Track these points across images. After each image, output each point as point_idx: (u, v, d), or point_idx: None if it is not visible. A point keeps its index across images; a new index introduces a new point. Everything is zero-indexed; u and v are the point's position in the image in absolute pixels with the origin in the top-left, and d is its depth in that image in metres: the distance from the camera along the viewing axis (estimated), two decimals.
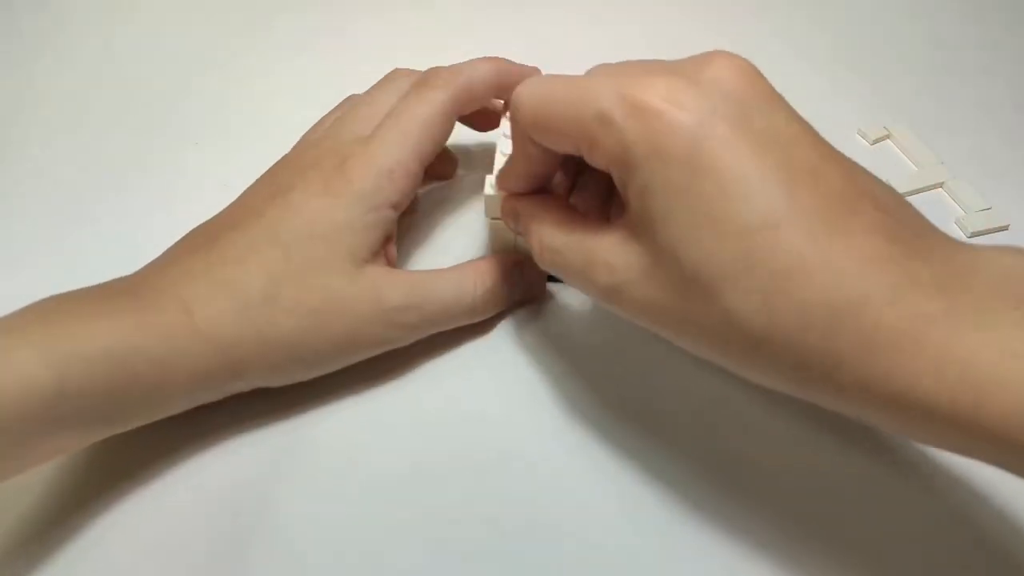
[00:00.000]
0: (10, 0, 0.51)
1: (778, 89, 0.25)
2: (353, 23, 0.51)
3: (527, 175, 0.31)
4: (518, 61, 0.36)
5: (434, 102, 0.33)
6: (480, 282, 0.34)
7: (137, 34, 0.50)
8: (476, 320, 0.34)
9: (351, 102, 0.37)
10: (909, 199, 0.40)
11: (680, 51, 0.27)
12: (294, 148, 0.36)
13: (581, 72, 0.37)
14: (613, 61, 0.28)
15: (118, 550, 0.29)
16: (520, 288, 0.35)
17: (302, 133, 0.37)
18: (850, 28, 0.51)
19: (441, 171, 0.41)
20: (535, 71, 0.36)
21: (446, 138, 0.34)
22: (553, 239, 0.29)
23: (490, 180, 0.33)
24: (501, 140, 0.36)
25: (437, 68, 0.35)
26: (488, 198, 0.33)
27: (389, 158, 0.32)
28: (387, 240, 0.33)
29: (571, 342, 0.35)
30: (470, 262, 0.35)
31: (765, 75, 0.25)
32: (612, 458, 0.31)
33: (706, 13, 0.52)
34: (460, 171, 0.41)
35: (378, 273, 0.31)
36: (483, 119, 0.38)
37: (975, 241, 0.39)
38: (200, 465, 0.31)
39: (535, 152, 0.29)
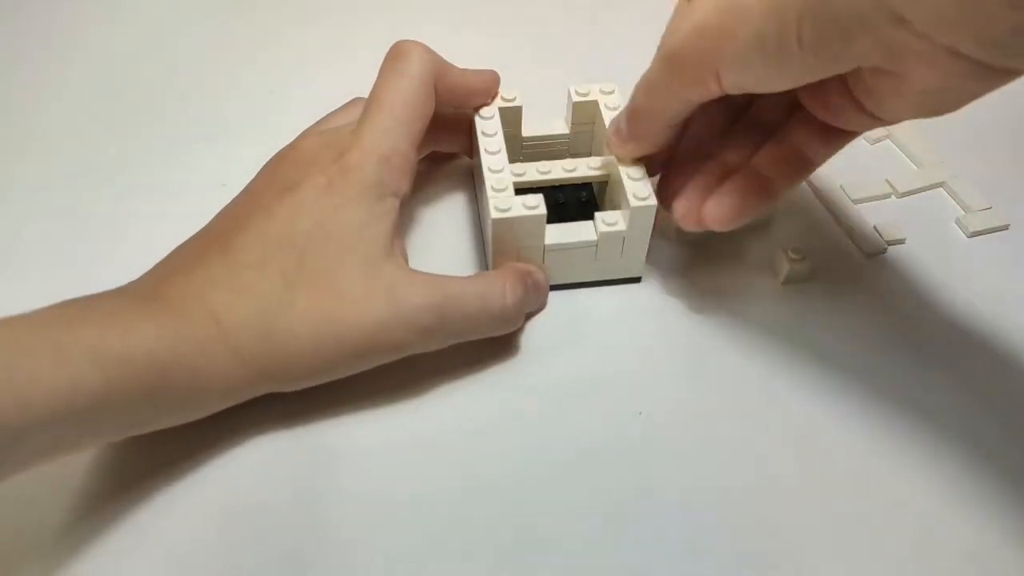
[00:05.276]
0: (11, 2, 0.51)
1: None
2: (352, 24, 0.51)
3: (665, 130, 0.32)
4: (521, 63, 0.36)
5: (413, 75, 0.33)
6: (511, 289, 0.33)
7: (137, 35, 0.50)
8: (504, 331, 0.34)
9: (356, 104, 0.37)
10: (909, 198, 0.41)
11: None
12: (293, 141, 0.35)
13: (582, 79, 0.37)
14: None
15: (141, 550, 0.29)
16: (535, 299, 0.35)
17: (300, 134, 0.36)
18: None
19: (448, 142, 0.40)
20: (494, 74, 0.37)
21: (431, 111, 0.34)
22: None
23: (494, 203, 0.33)
24: (482, 138, 0.36)
25: (406, 40, 0.34)
26: (495, 221, 0.33)
27: (384, 145, 0.32)
28: (396, 232, 0.32)
29: (594, 353, 0.35)
30: (496, 270, 0.34)
31: None
32: (632, 476, 0.31)
33: None
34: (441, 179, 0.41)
35: (395, 273, 0.31)
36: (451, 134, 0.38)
37: (975, 240, 0.39)
38: (221, 467, 0.31)
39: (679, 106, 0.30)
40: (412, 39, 0.34)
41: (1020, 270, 0.38)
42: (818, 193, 0.41)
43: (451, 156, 0.41)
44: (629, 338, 0.35)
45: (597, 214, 0.34)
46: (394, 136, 0.32)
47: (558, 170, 0.36)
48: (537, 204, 0.33)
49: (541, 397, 0.33)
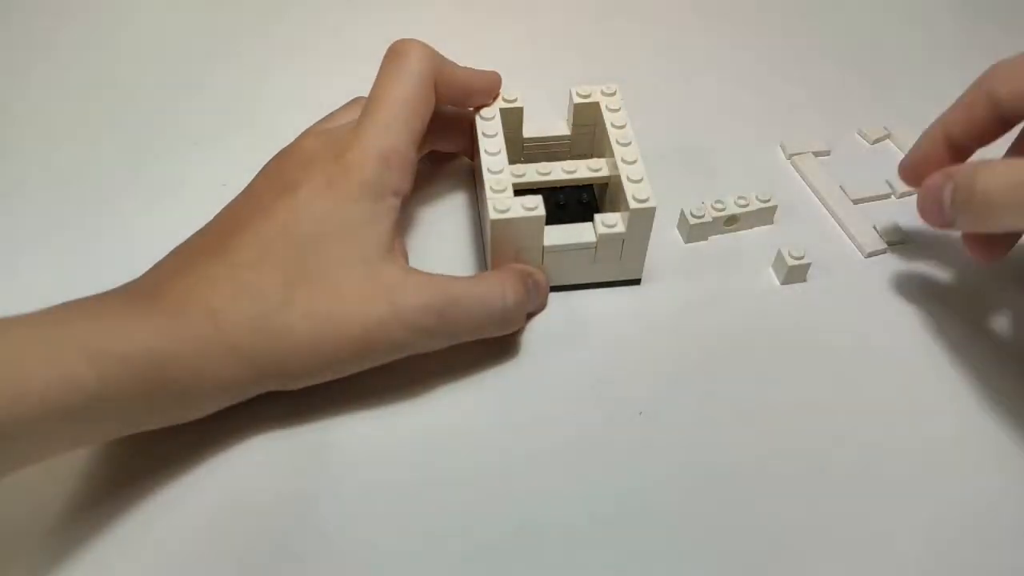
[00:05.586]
0: (9, 1, 0.51)
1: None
2: (352, 24, 0.51)
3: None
4: (522, 64, 0.36)
5: (412, 74, 0.33)
6: (512, 290, 0.33)
7: (136, 34, 0.50)
8: (505, 332, 0.34)
9: (356, 104, 0.37)
10: (909, 198, 0.41)
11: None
12: (293, 140, 0.36)
13: (584, 80, 0.36)
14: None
15: (139, 549, 0.29)
16: (535, 300, 0.35)
17: (300, 133, 0.36)
18: (850, 28, 0.50)
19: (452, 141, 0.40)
20: (496, 75, 0.37)
21: (431, 110, 0.34)
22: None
23: (493, 203, 0.33)
24: (483, 138, 0.36)
25: (405, 39, 0.34)
26: (494, 222, 0.33)
27: (383, 144, 0.32)
28: (396, 232, 0.32)
29: (595, 354, 0.35)
30: (496, 271, 0.34)
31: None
32: (628, 472, 0.31)
33: (707, 14, 0.52)
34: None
35: (395, 273, 0.31)
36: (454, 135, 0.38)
37: None
38: (219, 466, 0.31)
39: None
40: (412, 37, 0.34)
41: (1020, 270, 0.38)
42: (818, 193, 0.41)
43: (452, 156, 0.42)
44: (629, 339, 0.35)
45: (596, 216, 0.34)
46: (394, 135, 0.32)
47: (558, 171, 0.36)
48: (536, 205, 0.33)
49: (541, 398, 0.33)
